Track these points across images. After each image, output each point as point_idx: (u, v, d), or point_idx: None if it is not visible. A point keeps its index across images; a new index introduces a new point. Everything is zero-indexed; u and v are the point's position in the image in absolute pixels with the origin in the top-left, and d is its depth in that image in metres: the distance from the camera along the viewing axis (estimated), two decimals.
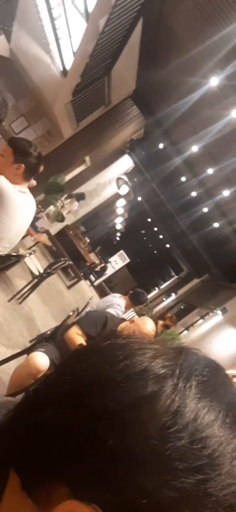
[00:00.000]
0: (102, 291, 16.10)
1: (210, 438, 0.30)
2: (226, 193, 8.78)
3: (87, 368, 0.35)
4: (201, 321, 11.32)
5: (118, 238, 20.74)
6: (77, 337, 2.61)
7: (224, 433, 0.31)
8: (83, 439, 0.31)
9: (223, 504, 0.28)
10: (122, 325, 2.82)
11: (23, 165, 2.24)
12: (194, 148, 8.47)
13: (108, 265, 18.78)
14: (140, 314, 9.69)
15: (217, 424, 0.31)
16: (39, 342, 2.72)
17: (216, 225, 10.53)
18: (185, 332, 11.22)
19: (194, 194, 10.38)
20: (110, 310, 3.78)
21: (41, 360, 2.31)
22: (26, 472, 0.34)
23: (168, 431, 0.30)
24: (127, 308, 4.20)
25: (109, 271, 19.16)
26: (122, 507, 0.29)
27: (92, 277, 16.66)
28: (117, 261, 19.23)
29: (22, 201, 2.28)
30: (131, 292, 4.19)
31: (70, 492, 0.30)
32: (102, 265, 18.06)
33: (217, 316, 9.63)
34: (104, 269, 17.88)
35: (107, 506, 0.29)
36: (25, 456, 0.34)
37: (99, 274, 17.44)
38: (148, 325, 2.74)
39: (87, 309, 3.91)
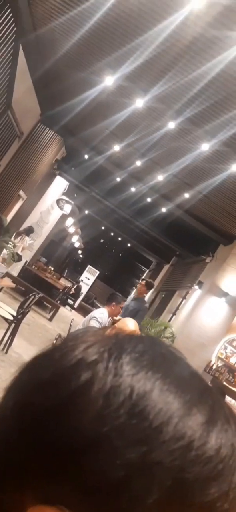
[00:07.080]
0: (85, 311, 16.04)
1: (148, 408, 0.29)
2: (160, 177, 8.86)
3: (26, 371, 0.35)
4: (183, 301, 11.40)
5: (81, 256, 20.76)
6: None
7: (163, 399, 0.30)
8: (27, 444, 0.31)
9: (174, 469, 0.28)
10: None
11: None
12: (116, 148, 8.59)
13: (81, 283, 18.73)
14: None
15: (154, 393, 0.30)
16: None
17: (163, 209, 10.65)
18: (174, 317, 11.28)
19: (133, 189, 10.48)
20: (92, 322, 3.92)
21: None
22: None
23: (103, 413, 0.29)
24: (112, 315, 4.29)
25: (84, 289, 19.10)
26: (85, 499, 0.28)
27: (70, 301, 16.56)
28: (88, 277, 19.21)
29: None
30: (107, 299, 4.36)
31: (35, 497, 0.30)
32: (75, 286, 17.99)
33: (196, 291, 9.70)
34: (78, 289, 17.80)
35: (71, 503, 0.29)
36: None
37: (75, 295, 17.34)
38: (129, 325, 2.69)
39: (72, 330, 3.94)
